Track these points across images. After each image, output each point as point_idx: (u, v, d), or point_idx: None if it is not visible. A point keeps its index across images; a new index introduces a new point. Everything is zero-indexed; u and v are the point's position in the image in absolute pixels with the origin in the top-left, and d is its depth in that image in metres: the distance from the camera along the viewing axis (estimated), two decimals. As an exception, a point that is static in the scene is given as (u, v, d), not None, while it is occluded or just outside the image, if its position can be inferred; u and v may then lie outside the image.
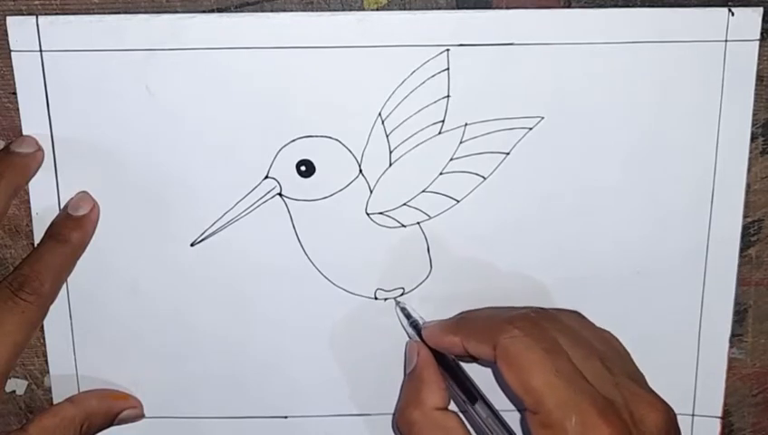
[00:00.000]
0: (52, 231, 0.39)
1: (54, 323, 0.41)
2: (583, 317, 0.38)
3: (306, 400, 0.42)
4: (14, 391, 0.43)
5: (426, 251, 0.41)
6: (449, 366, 0.38)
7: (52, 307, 0.38)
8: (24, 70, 0.38)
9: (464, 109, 0.39)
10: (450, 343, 0.37)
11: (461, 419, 0.36)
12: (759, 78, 0.39)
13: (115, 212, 0.40)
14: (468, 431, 0.36)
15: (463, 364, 0.39)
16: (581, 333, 0.36)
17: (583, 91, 0.38)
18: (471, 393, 0.37)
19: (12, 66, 0.38)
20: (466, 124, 0.39)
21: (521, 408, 0.34)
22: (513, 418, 0.39)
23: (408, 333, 0.41)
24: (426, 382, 0.37)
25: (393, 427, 0.42)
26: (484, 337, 0.35)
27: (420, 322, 0.40)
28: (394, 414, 0.42)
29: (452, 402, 0.37)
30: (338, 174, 0.39)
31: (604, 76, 0.38)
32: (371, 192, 0.40)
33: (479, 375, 0.39)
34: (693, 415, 0.42)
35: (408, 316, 0.41)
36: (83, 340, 0.41)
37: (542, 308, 0.37)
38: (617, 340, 0.37)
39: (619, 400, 0.33)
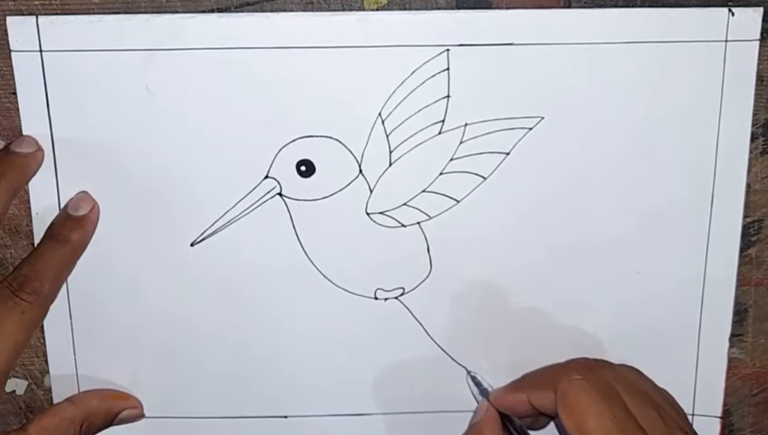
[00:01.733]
0: (52, 231, 0.39)
1: (54, 323, 0.41)
2: (641, 372, 0.39)
3: (306, 400, 0.42)
4: (14, 391, 0.43)
5: (426, 251, 0.41)
6: (516, 431, 0.39)
7: (52, 307, 0.38)
8: (24, 70, 0.38)
9: (464, 109, 0.39)
10: (515, 401, 0.38)
11: None
12: (759, 78, 0.39)
13: (115, 212, 0.40)
14: None
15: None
16: (638, 383, 0.37)
17: (583, 91, 0.38)
18: None
19: (12, 66, 0.38)
20: (466, 124, 0.39)
21: None
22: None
23: (477, 402, 0.41)
24: (484, 433, 0.38)
25: None
26: (546, 385, 0.36)
27: (489, 389, 0.41)
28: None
29: None
30: (338, 174, 0.39)
31: (604, 76, 0.38)
32: (371, 192, 0.40)
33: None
34: (693, 415, 0.42)
35: (478, 385, 0.41)
36: (83, 340, 0.41)
37: (602, 359, 0.38)
38: (673, 398, 0.38)
39: None
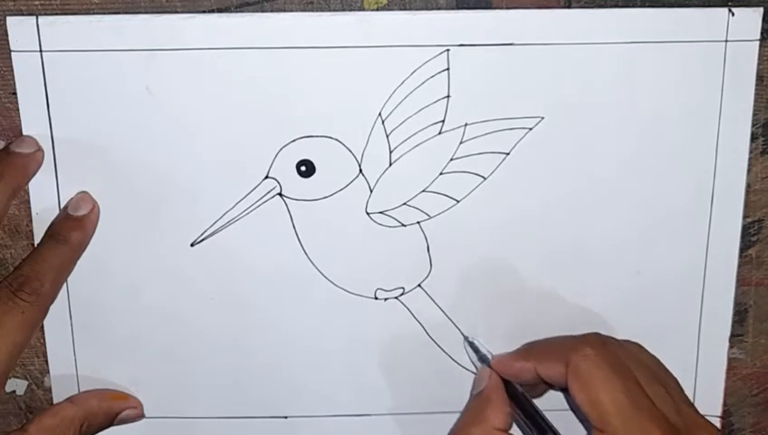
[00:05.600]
0: (53, 231, 0.39)
1: (54, 323, 0.41)
2: (645, 348, 0.39)
3: (306, 400, 0.42)
4: (14, 391, 0.43)
5: (426, 251, 0.41)
6: (518, 398, 0.38)
7: (52, 307, 0.38)
8: (24, 70, 0.38)
9: (464, 109, 0.39)
10: (521, 369, 0.38)
11: None
12: (759, 78, 0.39)
13: (115, 212, 0.40)
14: None
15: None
16: (645, 359, 0.37)
17: (583, 91, 0.38)
18: (539, 425, 0.37)
19: (12, 66, 0.38)
20: (466, 124, 0.39)
21: (588, 428, 0.35)
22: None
23: (477, 368, 0.41)
24: (491, 402, 0.38)
25: None
26: (557, 357, 0.36)
27: (489, 356, 0.41)
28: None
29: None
30: (338, 174, 0.39)
31: (604, 76, 0.38)
32: (371, 192, 0.40)
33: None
34: (693, 415, 0.42)
35: (476, 351, 0.41)
36: (83, 340, 0.41)
37: (610, 336, 0.38)
38: (673, 375, 0.38)
39: (680, 425, 0.34)
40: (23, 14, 0.38)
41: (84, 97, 0.38)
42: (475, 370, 0.41)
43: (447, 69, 0.38)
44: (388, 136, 0.39)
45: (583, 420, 0.36)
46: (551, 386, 0.39)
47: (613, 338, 0.38)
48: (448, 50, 0.38)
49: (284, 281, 0.41)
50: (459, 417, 0.39)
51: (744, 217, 0.40)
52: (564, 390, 0.36)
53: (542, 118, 0.39)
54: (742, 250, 0.41)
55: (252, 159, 0.39)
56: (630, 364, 0.36)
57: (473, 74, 0.38)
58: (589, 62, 0.38)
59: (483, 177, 0.40)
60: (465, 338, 0.41)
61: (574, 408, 0.40)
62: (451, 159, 0.39)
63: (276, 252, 0.40)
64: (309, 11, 0.38)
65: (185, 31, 0.37)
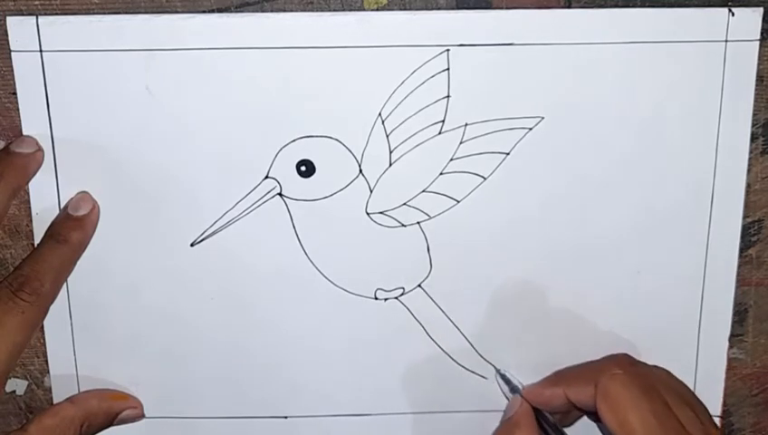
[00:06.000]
0: (53, 231, 0.39)
1: (54, 323, 0.41)
2: (671, 373, 0.39)
3: (306, 400, 0.42)
4: (14, 391, 0.43)
5: (426, 251, 0.41)
6: (550, 426, 0.38)
7: (52, 307, 0.38)
8: (24, 70, 0.38)
9: (464, 109, 0.39)
10: (551, 395, 0.38)
11: None
12: (759, 78, 0.39)
13: (115, 212, 0.40)
14: None
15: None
16: (672, 382, 0.37)
17: (583, 91, 0.38)
18: None
19: (12, 66, 0.38)
20: (466, 124, 0.39)
21: None
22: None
23: (508, 399, 0.41)
24: (520, 427, 0.38)
25: None
26: (585, 379, 0.37)
27: (520, 386, 0.41)
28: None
29: None
30: (338, 174, 0.39)
31: (604, 76, 0.38)
32: (371, 192, 0.40)
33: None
34: (693, 415, 0.42)
35: (508, 383, 0.41)
36: (83, 340, 0.41)
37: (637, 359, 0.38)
38: (697, 397, 0.38)
39: None
40: (23, 14, 0.38)
41: (84, 97, 0.38)
42: (506, 400, 0.41)
43: (447, 69, 0.38)
44: (388, 136, 0.39)
45: None
46: (583, 412, 0.39)
47: (641, 362, 0.38)
48: (448, 50, 0.38)
49: (284, 281, 0.41)
50: None
51: (744, 217, 0.40)
52: (595, 414, 0.36)
53: (542, 118, 0.39)
54: (742, 250, 0.41)
55: (252, 159, 0.39)
56: (659, 386, 0.36)
57: (473, 74, 0.38)
58: (589, 62, 0.38)
59: (483, 177, 0.40)
60: (498, 371, 0.42)
61: (602, 428, 0.40)
62: (451, 159, 0.39)
63: (276, 252, 0.40)
64: (309, 11, 0.38)
65: (185, 31, 0.37)
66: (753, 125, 0.39)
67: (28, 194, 0.40)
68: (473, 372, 0.42)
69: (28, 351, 0.42)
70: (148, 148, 0.39)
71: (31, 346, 0.42)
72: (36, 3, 0.38)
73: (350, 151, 0.39)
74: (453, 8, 0.38)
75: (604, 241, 0.40)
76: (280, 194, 0.40)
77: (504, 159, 0.39)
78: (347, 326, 0.41)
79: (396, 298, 0.41)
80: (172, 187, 0.39)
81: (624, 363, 0.37)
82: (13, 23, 0.37)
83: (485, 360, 0.42)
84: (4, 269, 0.41)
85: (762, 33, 0.38)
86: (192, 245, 0.40)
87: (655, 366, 0.39)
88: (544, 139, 0.39)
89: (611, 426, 0.35)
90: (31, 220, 0.40)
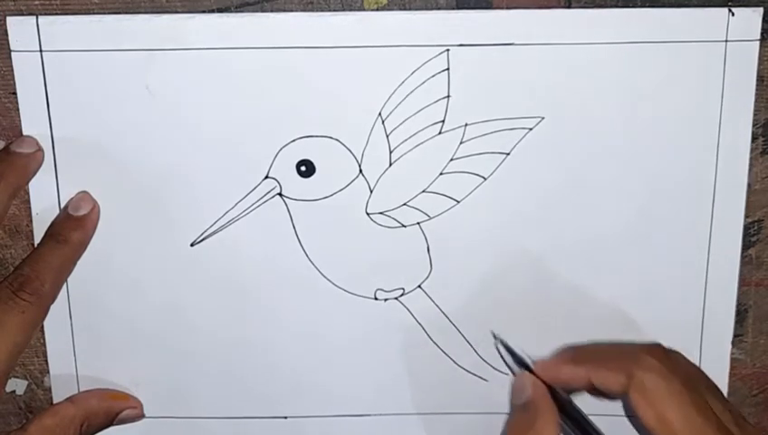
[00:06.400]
0: (53, 231, 0.39)
1: (54, 323, 0.41)
2: (697, 366, 0.37)
3: (306, 400, 0.42)
4: (14, 391, 0.43)
5: (426, 251, 0.41)
6: (564, 403, 0.36)
7: (52, 307, 0.38)
8: (24, 70, 0.38)
9: (464, 109, 0.39)
10: (571, 376, 0.36)
11: None
12: (759, 78, 0.39)
13: (115, 212, 0.40)
14: None
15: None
16: (703, 375, 0.36)
17: (583, 91, 0.38)
18: (588, 432, 0.35)
19: (12, 66, 0.38)
20: (466, 124, 0.39)
21: None
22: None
23: (512, 371, 0.39)
24: (541, 413, 0.35)
25: None
26: (616, 367, 0.34)
27: (526, 358, 0.38)
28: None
29: None
30: (338, 174, 0.39)
31: (604, 76, 0.38)
32: (371, 192, 0.40)
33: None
34: (693, 415, 0.42)
35: (512, 353, 0.39)
36: (83, 340, 0.41)
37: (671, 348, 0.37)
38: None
39: None
40: (23, 14, 0.38)
41: (84, 97, 0.38)
42: (509, 371, 0.39)
43: (447, 69, 0.38)
44: (388, 136, 0.39)
45: (644, 432, 0.34)
46: (599, 394, 0.37)
47: (674, 350, 0.37)
48: (448, 50, 0.38)
49: (284, 281, 0.41)
50: (504, 430, 0.37)
51: (744, 217, 0.40)
52: (613, 399, 0.35)
53: (542, 118, 0.39)
54: (742, 250, 0.41)
55: (252, 159, 0.39)
56: (696, 380, 0.34)
57: (473, 74, 0.38)
58: (589, 62, 0.38)
59: (483, 177, 0.40)
60: (497, 338, 0.40)
61: (635, 422, 0.38)
62: (451, 160, 0.39)
63: (276, 252, 0.40)
64: (309, 11, 0.38)
65: (185, 31, 0.37)
66: (754, 125, 0.39)
67: (28, 194, 0.40)
68: (473, 374, 0.42)
69: (28, 351, 0.42)
70: (148, 148, 0.39)
71: (31, 346, 0.42)
72: (36, 3, 0.38)
73: (350, 151, 0.39)
74: (453, 8, 0.38)
75: (604, 241, 0.40)
76: (280, 194, 0.40)
77: (504, 159, 0.39)
78: (347, 326, 0.41)
79: (396, 298, 0.41)
80: (172, 187, 0.39)
81: (659, 354, 0.34)
82: (13, 23, 0.37)
83: (485, 361, 0.42)
84: (4, 269, 0.41)
85: (762, 33, 0.38)
86: (192, 245, 0.40)
87: (685, 358, 0.37)
88: (544, 139, 0.39)
89: (648, 421, 0.33)
90: (31, 220, 0.40)
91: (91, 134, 0.39)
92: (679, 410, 0.32)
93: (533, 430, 0.35)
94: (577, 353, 0.38)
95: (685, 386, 0.33)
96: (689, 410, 0.32)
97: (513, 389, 0.38)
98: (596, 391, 0.36)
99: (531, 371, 0.37)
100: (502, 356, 0.40)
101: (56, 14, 0.38)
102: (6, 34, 0.38)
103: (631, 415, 0.37)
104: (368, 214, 0.40)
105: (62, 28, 0.37)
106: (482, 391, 0.42)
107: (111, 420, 0.41)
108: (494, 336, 0.40)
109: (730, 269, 0.41)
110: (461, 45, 0.38)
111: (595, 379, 0.35)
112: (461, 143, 0.39)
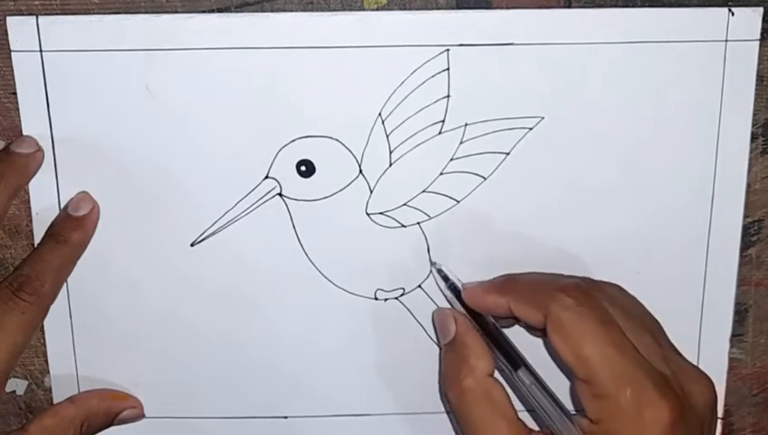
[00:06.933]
0: (53, 231, 0.39)
1: (54, 323, 0.41)
2: (625, 290, 0.37)
3: (306, 400, 0.42)
4: (14, 391, 0.43)
5: (426, 251, 0.41)
6: (489, 331, 0.37)
7: (52, 307, 0.38)
8: (24, 70, 0.38)
9: (464, 109, 0.39)
10: (494, 304, 0.36)
11: (506, 391, 0.35)
12: (759, 78, 0.39)
13: (115, 212, 0.40)
14: (511, 403, 0.35)
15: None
16: (628, 305, 0.36)
17: (583, 91, 0.38)
18: (513, 359, 0.36)
19: (12, 66, 0.38)
20: (466, 124, 0.39)
21: (570, 377, 0.33)
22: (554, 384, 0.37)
23: (446, 297, 0.39)
24: (471, 348, 0.36)
25: (441, 397, 0.41)
26: (535, 303, 0.34)
27: (459, 284, 0.39)
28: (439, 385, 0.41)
29: None
30: (338, 174, 0.39)
31: (604, 76, 0.38)
32: (371, 192, 0.40)
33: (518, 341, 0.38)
34: (693, 415, 0.42)
35: (445, 278, 0.39)
36: (83, 340, 0.41)
37: (588, 278, 0.37)
38: (652, 315, 0.37)
39: (668, 373, 0.33)
40: (23, 14, 0.38)
41: (84, 97, 0.38)
42: (444, 299, 0.40)
43: (447, 69, 0.38)
44: (388, 136, 0.39)
45: (562, 367, 0.35)
46: (527, 328, 0.37)
47: (593, 280, 0.36)
48: (448, 50, 0.38)
49: (284, 281, 0.41)
50: (441, 372, 0.37)
51: (744, 217, 0.40)
52: (537, 331, 0.34)
53: (542, 118, 0.39)
54: (742, 250, 0.41)
55: (252, 159, 0.39)
56: (613, 312, 0.34)
57: (473, 74, 0.38)
58: (589, 62, 0.38)
59: (483, 177, 0.40)
60: (433, 264, 0.40)
61: (553, 355, 0.38)
62: (451, 160, 0.39)
63: (276, 252, 0.40)
64: (309, 11, 0.38)
65: (185, 31, 0.37)
66: (753, 125, 0.39)
67: (28, 194, 0.40)
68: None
69: (28, 351, 0.42)
70: (148, 148, 0.39)
71: (31, 346, 0.42)
72: (36, 3, 0.38)
73: (350, 151, 0.39)
74: (453, 8, 0.38)
75: (604, 241, 0.40)
76: (280, 194, 0.40)
77: (504, 159, 0.39)
78: (347, 326, 0.41)
79: (396, 298, 0.41)
80: (172, 187, 0.39)
81: (575, 291, 0.34)
82: (13, 23, 0.37)
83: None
84: (4, 269, 0.41)
85: (762, 33, 0.38)
86: (192, 245, 0.40)
87: (606, 283, 0.37)
88: (544, 139, 0.39)
89: (566, 358, 0.33)
90: (31, 220, 0.40)
91: (91, 134, 0.39)
92: (596, 347, 0.32)
93: (467, 366, 0.35)
94: (503, 283, 0.38)
95: (601, 323, 0.33)
96: (605, 348, 0.32)
97: (436, 325, 0.38)
98: (523, 324, 0.36)
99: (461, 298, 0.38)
100: (436, 281, 0.40)
101: (56, 14, 0.38)
102: (6, 34, 0.38)
103: (550, 347, 0.37)
104: (368, 214, 0.40)
105: (61, 28, 0.37)
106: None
107: (111, 420, 0.41)
108: (432, 263, 0.40)
109: (729, 269, 0.41)
110: (461, 45, 0.38)
111: (515, 310, 0.35)
112: (461, 143, 0.39)
